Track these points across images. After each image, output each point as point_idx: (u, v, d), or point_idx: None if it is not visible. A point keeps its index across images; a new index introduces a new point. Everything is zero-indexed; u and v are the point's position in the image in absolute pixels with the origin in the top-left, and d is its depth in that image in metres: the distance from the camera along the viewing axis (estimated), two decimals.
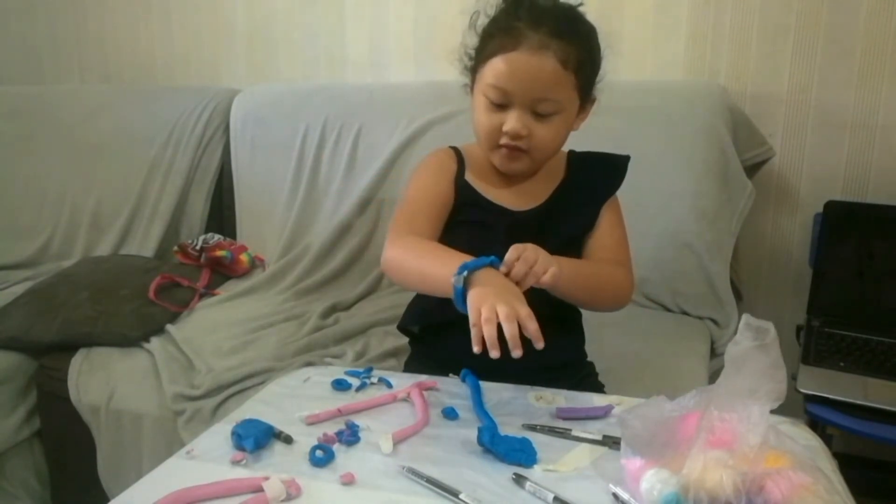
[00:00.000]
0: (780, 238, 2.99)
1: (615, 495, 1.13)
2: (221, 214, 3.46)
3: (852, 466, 1.60)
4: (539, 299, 1.46)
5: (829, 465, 1.23)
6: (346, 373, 1.63)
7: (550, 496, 1.13)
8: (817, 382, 2.29)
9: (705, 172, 2.65)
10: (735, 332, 1.12)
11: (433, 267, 1.54)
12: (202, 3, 3.70)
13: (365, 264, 3.02)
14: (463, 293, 1.40)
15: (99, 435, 2.36)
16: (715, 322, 2.61)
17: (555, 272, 1.48)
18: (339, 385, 1.57)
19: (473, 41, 1.71)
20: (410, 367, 1.92)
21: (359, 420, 1.39)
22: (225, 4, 3.65)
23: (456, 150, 1.86)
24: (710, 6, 2.90)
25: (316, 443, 1.30)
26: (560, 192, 1.80)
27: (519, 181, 1.79)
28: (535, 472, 1.22)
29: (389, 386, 1.57)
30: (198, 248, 3.09)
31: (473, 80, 1.73)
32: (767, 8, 2.83)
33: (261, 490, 1.14)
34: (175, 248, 3.19)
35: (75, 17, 3.96)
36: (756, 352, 1.06)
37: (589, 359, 1.95)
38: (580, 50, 1.64)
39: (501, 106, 1.65)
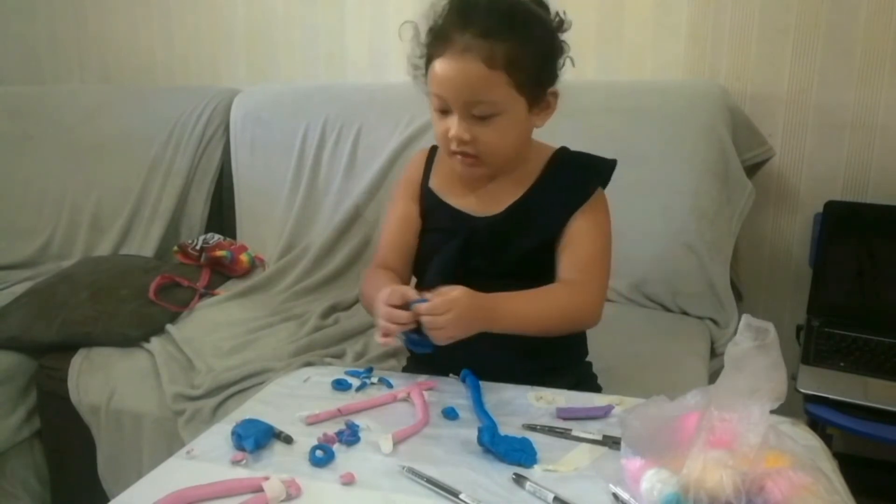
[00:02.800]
0: (780, 238, 2.99)
1: (615, 495, 1.13)
2: (221, 214, 3.46)
3: (852, 466, 1.59)
4: None
5: (829, 465, 1.23)
6: (347, 373, 1.63)
7: (550, 496, 1.13)
8: (817, 382, 2.29)
9: (705, 172, 2.65)
10: (735, 333, 1.12)
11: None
12: (202, 4, 3.70)
13: (365, 264, 3.01)
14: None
15: (99, 435, 2.36)
16: (715, 322, 2.61)
17: (448, 338, 1.49)
18: (340, 385, 1.57)
19: (419, 47, 1.69)
20: (409, 369, 1.93)
21: (359, 420, 1.40)
22: (225, 4, 3.65)
23: (430, 153, 1.89)
24: (710, 6, 2.90)
25: (316, 443, 1.30)
26: (526, 198, 1.75)
27: (486, 184, 1.77)
28: (536, 472, 1.22)
29: (389, 386, 1.57)
30: (198, 248, 3.09)
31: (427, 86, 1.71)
32: (767, 8, 2.83)
33: (261, 490, 1.14)
34: (175, 248, 3.19)
35: (75, 17, 3.96)
36: (756, 352, 1.06)
37: (588, 358, 1.94)
38: (512, 46, 1.57)
39: (446, 111, 1.64)
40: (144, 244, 3.31)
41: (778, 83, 2.87)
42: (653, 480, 1.07)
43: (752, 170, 2.81)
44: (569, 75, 3.06)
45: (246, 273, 3.12)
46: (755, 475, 1.02)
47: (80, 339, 2.51)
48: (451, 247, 1.74)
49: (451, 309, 1.46)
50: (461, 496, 1.13)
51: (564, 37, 1.71)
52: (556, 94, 1.73)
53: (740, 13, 2.87)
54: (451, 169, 1.76)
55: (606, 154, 2.61)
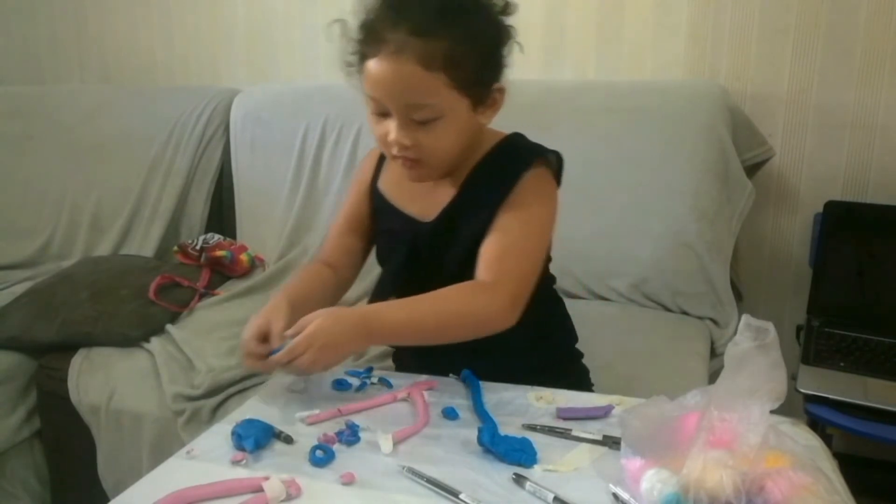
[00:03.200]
0: (780, 238, 2.99)
1: (615, 495, 1.13)
2: (221, 214, 3.46)
3: (852, 466, 1.59)
4: None
5: (829, 465, 1.23)
6: (347, 373, 1.63)
7: (550, 496, 1.13)
8: (817, 382, 2.29)
9: (705, 172, 2.65)
10: (735, 333, 1.12)
11: None
12: (202, 4, 3.70)
13: (365, 264, 3.01)
14: None
15: (99, 435, 2.37)
16: (715, 322, 2.61)
17: (322, 369, 1.48)
18: (340, 385, 1.57)
19: (351, 44, 1.58)
20: (396, 358, 1.95)
21: (359, 420, 1.39)
22: (225, 4, 3.65)
23: (382, 153, 1.78)
24: (710, 6, 2.90)
25: (316, 443, 1.30)
26: (455, 201, 1.67)
27: (429, 187, 1.69)
28: (535, 472, 1.22)
29: (389, 386, 1.57)
30: (198, 248, 3.09)
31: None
32: (767, 8, 2.83)
33: (261, 490, 1.14)
34: (175, 248, 3.18)
35: (75, 17, 3.96)
36: (756, 352, 1.06)
37: (587, 358, 1.93)
38: (451, 43, 1.47)
39: (384, 114, 1.56)
40: (144, 244, 3.31)
41: (778, 83, 2.87)
42: (653, 480, 1.07)
43: (752, 170, 2.82)
44: (569, 75, 3.08)
45: (246, 273, 3.12)
46: (755, 475, 1.02)
47: (80, 339, 2.52)
48: (398, 255, 1.73)
49: (310, 345, 1.41)
50: (461, 496, 1.13)
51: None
52: (502, 91, 1.63)
53: (740, 13, 2.87)
54: (397, 172, 1.69)
55: (606, 154, 2.63)
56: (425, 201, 1.70)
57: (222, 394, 2.22)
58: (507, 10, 1.62)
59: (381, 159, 1.82)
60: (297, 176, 3.19)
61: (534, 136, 1.74)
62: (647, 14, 2.99)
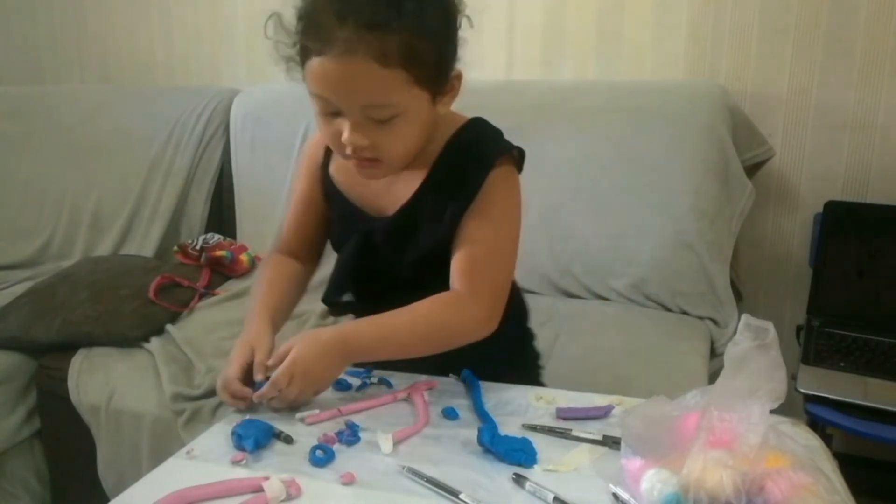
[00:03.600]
0: (780, 238, 2.99)
1: (615, 495, 1.13)
2: (221, 214, 3.46)
3: (852, 466, 1.59)
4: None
5: (829, 465, 1.23)
6: (347, 372, 1.62)
7: (550, 496, 1.13)
8: (817, 382, 2.29)
9: (705, 172, 2.65)
10: (735, 332, 1.12)
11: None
12: (202, 3, 3.70)
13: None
14: None
15: (99, 435, 2.36)
16: (715, 322, 2.61)
17: (312, 396, 1.44)
18: (340, 385, 1.57)
19: (288, 35, 1.44)
20: None
21: (359, 420, 1.39)
22: (225, 4, 3.65)
23: None
24: (710, 6, 2.90)
25: (316, 443, 1.30)
26: (416, 197, 1.57)
27: (385, 179, 1.58)
28: (536, 473, 1.22)
29: (389, 386, 1.57)
30: (198, 248, 3.09)
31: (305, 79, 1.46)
32: (767, 8, 2.83)
33: (261, 490, 1.14)
34: (175, 248, 3.19)
35: (75, 17, 3.96)
36: (756, 352, 1.06)
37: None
38: (407, 35, 1.34)
39: (335, 113, 1.43)
40: (144, 244, 3.31)
41: (778, 83, 2.88)
42: (653, 480, 1.07)
43: (752, 170, 2.82)
44: (569, 75, 3.08)
45: (246, 273, 3.12)
46: (755, 475, 1.02)
47: (80, 339, 2.51)
48: (349, 250, 1.64)
49: (292, 375, 1.37)
50: (461, 496, 1.13)
51: None
52: (459, 77, 1.49)
53: (740, 13, 2.87)
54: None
55: (606, 154, 2.62)
56: (380, 195, 1.61)
57: None
58: None
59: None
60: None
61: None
62: (646, 14, 2.99)
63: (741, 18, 2.88)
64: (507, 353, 1.77)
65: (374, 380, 1.59)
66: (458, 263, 1.51)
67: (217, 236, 3.19)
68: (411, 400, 1.50)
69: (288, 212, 1.80)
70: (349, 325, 1.49)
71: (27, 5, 4.02)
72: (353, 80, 1.36)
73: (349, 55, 1.33)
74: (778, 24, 2.83)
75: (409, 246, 1.57)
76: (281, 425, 1.36)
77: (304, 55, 1.40)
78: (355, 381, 1.59)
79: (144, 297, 2.68)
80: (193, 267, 3.04)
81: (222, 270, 3.07)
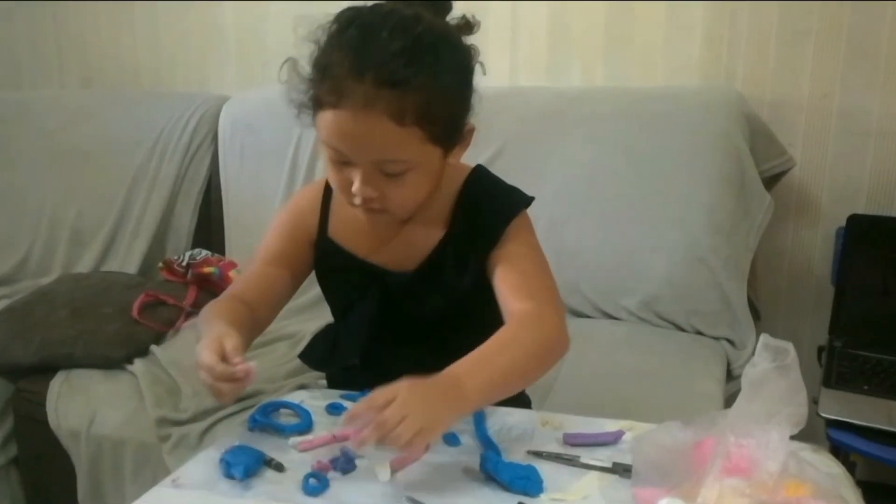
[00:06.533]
0: (800, 253, 2.99)
1: None
2: (209, 228, 3.46)
3: (877, 495, 1.59)
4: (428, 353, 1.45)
5: (852, 494, 1.23)
6: (342, 396, 1.63)
7: None
8: (840, 406, 2.29)
9: (721, 184, 2.65)
10: (753, 353, 1.12)
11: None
12: (190, 6, 3.69)
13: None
14: None
15: (79, 462, 2.36)
16: (731, 342, 2.62)
17: (424, 436, 1.25)
18: (335, 409, 1.57)
19: (302, 82, 1.53)
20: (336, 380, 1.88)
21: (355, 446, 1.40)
22: (214, 7, 3.65)
23: (327, 193, 1.73)
24: (726, 7, 2.90)
25: (310, 471, 1.30)
26: (438, 252, 1.64)
27: (396, 233, 1.66)
28: (542, 502, 1.22)
29: None
30: (184, 264, 3.08)
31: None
32: (787, 9, 2.83)
33: None
34: (160, 264, 3.18)
35: (55, 19, 3.96)
36: (775, 374, 1.06)
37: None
38: (425, 93, 1.40)
39: (345, 162, 1.48)
40: (127, 260, 3.31)
41: (798, 89, 2.88)
42: None
43: (770, 181, 2.82)
44: (577, 81, 3.07)
45: None
46: None
47: (59, 360, 2.51)
48: (367, 307, 1.68)
49: (405, 415, 1.23)
50: None
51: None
52: (472, 130, 1.56)
53: (758, 14, 2.87)
54: (353, 215, 1.58)
55: (616, 164, 2.63)
56: (392, 249, 1.67)
57: (210, 418, 2.22)
58: (470, 28, 1.54)
59: (326, 201, 1.73)
60: (289, 187, 3.18)
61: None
62: (658, 15, 2.99)
63: (759, 20, 2.88)
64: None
65: None
66: (504, 285, 1.57)
67: (204, 252, 3.18)
68: None
69: (252, 267, 1.76)
70: (449, 373, 1.36)
71: (3, 7, 4.01)
72: (368, 135, 1.40)
73: (365, 111, 1.37)
74: (798, 25, 2.83)
75: (431, 296, 1.64)
76: (272, 452, 1.36)
77: (318, 105, 1.47)
78: (351, 405, 1.59)
79: (128, 316, 2.68)
80: (179, 284, 3.04)
81: (210, 288, 3.06)
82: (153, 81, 3.86)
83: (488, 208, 1.63)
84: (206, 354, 1.38)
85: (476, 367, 1.39)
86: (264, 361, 2.46)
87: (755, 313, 2.79)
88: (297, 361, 2.41)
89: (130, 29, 3.83)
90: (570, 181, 2.74)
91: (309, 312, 2.86)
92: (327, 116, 1.44)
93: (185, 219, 3.41)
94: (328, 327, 1.90)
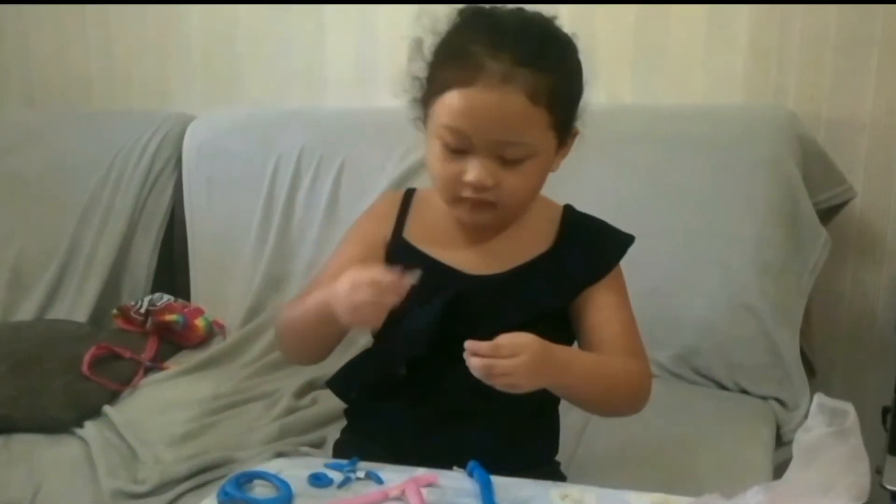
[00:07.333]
0: (861, 298, 2.99)
1: None
2: (172, 269, 3.47)
3: None
4: (514, 399, 1.51)
5: None
6: (326, 465, 1.63)
7: None
8: None
9: (769, 217, 2.66)
10: (806, 416, 1.13)
11: (314, 298, 1.63)
12: (148, 11, 3.71)
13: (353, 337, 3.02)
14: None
15: None
16: (781, 402, 2.61)
17: (512, 386, 1.47)
18: (318, 481, 1.57)
19: (422, 65, 1.70)
20: (341, 449, 1.93)
21: None
22: (177, 13, 3.66)
23: (406, 197, 1.88)
24: (775, 13, 2.91)
25: None
26: (540, 260, 1.78)
27: (485, 240, 1.78)
28: None
29: (379, 481, 1.57)
30: (142, 311, 3.09)
31: (426, 115, 1.71)
32: (846, 16, 2.84)
33: None
34: (114, 311, 3.19)
35: None
36: (832, 439, 1.07)
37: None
38: (554, 78, 1.60)
39: (460, 151, 1.62)
40: (76, 306, 3.31)
41: (860, 106, 2.88)
42: None
43: (827, 214, 2.82)
44: (600, 97, 3.09)
45: (202, 342, 3.12)
46: None
47: None
48: (436, 306, 1.71)
49: (519, 353, 1.45)
50: None
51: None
52: (575, 135, 1.77)
53: (813, 22, 2.88)
54: (439, 217, 1.78)
55: (645, 195, 2.64)
56: (476, 254, 1.78)
57: (174, 490, 2.21)
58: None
59: (404, 207, 1.86)
60: (265, 221, 3.19)
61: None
62: (697, 23, 3.00)
63: (814, 29, 2.89)
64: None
65: (361, 474, 1.60)
66: (614, 327, 1.78)
67: (166, 297, 3.19)
68: (405, 499, 1.50)
69: (319, 275, 1.90)
70: (565, 349, 1.63)
71: None
72: (501, 111, 1.56)
73: (502, 86, 1.54)
74: (859, 34, 2.84)
75: (509, 310, 1.72)
76: None
77: (444, 87, 1.61)
78: (337, 476, 1.59)
79: (76, 372, 2.68)
80: (137, 335, 3.05)
81: (173, 339, 3.07)
82: (106, 99, 3.88)
83: (600, 238, 1.85)
84: (364, 271, 1.51)
85: (586, 360, 1.69)
86: (235, 425, 2.46)
87: (809, 368, 2.79)
88: (274, 426, 2.43)
89: (80, 38, 3.84)
90: (593, 211, 2.73)
91: (288, 369, 2.86)
92: (454, 97, 1.58)
93: (144, 258, 3.40)
94: (365, 352, 1.94)
